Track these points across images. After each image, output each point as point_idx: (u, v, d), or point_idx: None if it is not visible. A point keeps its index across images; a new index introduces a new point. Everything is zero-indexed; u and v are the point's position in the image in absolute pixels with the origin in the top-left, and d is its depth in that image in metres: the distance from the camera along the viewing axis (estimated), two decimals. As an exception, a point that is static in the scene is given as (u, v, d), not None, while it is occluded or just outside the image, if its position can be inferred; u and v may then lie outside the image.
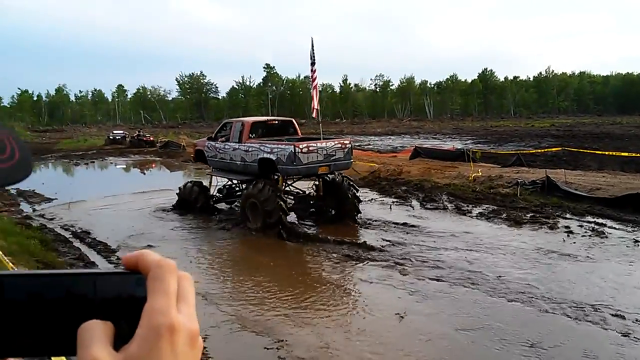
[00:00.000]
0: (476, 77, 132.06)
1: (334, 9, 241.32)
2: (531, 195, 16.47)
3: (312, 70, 14.93)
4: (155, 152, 41.23)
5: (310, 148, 13.14)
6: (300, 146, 12.99)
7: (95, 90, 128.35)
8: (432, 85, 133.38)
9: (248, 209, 13.64)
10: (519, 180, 17.74)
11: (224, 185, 16.65)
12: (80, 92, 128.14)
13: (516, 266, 10.35)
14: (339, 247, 11.99)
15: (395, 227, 13.97)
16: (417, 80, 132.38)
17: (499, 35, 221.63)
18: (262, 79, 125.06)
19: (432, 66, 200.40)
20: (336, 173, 14.37)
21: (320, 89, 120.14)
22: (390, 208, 16.64)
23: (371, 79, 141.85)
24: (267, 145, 13.76)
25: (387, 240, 12.52)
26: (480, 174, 19.74)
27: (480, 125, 79.78)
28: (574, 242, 11.88)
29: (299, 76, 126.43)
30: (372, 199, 18.16)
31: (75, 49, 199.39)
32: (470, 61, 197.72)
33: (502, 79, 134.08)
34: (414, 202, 17.29)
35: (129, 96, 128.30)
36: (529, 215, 14.46)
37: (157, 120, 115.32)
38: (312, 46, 14.57)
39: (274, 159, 13.31)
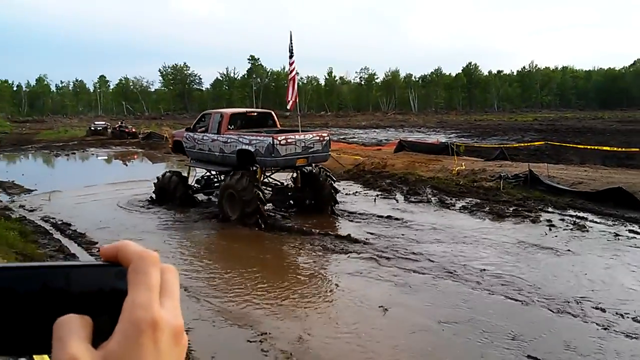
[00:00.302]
0: (460, 71, 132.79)
1: (320, 1, 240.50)
2: (514, 188, 16.59)
3: (290, 63, 15.10)
4: (138, 144, 40.85)
5: (289, 140, 13.24)
6: (279, 138, 13.08)
7: (77, 80, 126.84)
8: (417, 79, 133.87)
9: (226, 199, 13.67)
10: (502, 174, 17.87)
11: (202, 176, 16.68)
12: (62, 82, 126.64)
13: (499, 259, 10.41)
14: (323, 240, 11.97)
15: (379, 220, 13.98)
16: (402, 74, 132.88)
17: (484, 30, 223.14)
18: (247, 71, 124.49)
19: (417, 60, 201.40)
20: (314, 165, 14.50)
21: (301, 83, 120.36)
22: (375, 201, 16.64)
23: (356, 72, 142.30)
24: (245, 136, 13.81)
25: (371, 233, 12.52)
26: (464, 167, 19.86)
27: (464, 119, 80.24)
28: (556, 236, 11.99)
29: (284, 68, 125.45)
30: (356, 192, 18.16)
31: (57, 39, 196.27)
32: (455, 55, 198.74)
33: (486, 73, 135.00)
34: (398, 195, 17.32)
35: (111, 87, 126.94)
36: (511, 209, 14.56)
37: (139, 111, 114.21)
38: (291, 39, 14.72)
39: (252, 150, 13.38)
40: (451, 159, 21.42)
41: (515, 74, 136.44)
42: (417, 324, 7.48)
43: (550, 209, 14.42)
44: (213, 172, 16.25)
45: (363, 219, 14.11)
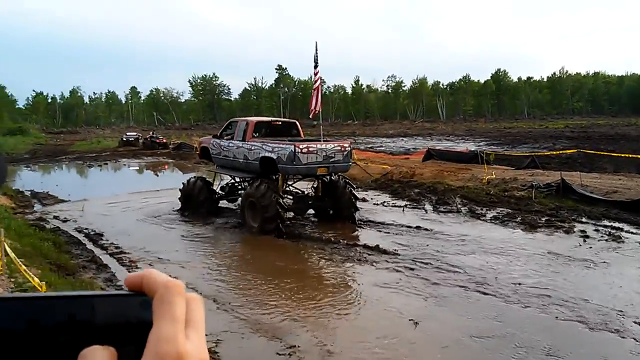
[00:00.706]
0: (489, 78, 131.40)
1: (346, 10, 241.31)
2: (546, 198, 16.29)
3: (315, 73, 15.28)
4: (168, 154, 41.49)
5: (310, 149, 13.40)
6: (300, 146, 13.26)
7: (109, 92, 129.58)
8: (445, 86, 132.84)
9: (247, 208, 13.96)
10: (534, 183, 17.55)
11: (227, 184, 17.08)
12: (95, 94, 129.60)
13: (531, 271, 10.21)
14: (352, 250, 11.93)
15: (408, 230, 13.88)
16: (430, 81, 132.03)
17: (513, 35, 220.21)
18: (274, 81, 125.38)
19: (445, 67, 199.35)
20: (334, 174, 14.63)
21: (328, 92, 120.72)
22: (403, 211, 16.53)
23: (383, 80, 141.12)
24: (269, 144, 14.03)
25: (400, 244, 12.42)
26: (494, 176, 19.58)
27: (494, 127, 79.32)
28: (590, 247, 11.71)
29: (311, 77, 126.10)
30: (384, 202, 18.07)
31: (90, 52, 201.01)
32: (483, 62, 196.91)
33: (515, 80, 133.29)
34: (427, 205, 17.17)
35: (142, 98, 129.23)
36: (544, 219, 14.29)
37: (170, 122, 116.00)
38: (316, 50, 14.89)
39: (274, 157, 13.58)
40: (481, 167, 21.15)
41: (545, 80, 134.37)
42: (449, 338, 7.36)
43: (584, 219, 14.11)
44: (237, 179, 16.52)
45: (391, 230, 14.02)
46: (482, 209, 16.05)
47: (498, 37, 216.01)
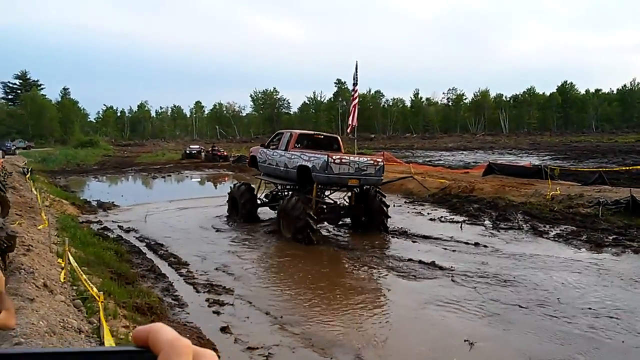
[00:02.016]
0: (555, 90, 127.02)
1: (406, 22, 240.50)
2: (614, 216, 15.48)
3: (353, 90, 16.20)
4: (229, 166, 42.38)
5: (343, 160, 14.28)
6: (333, 157, 14.17)
7: (175, 106, 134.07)
8: (508, 99, 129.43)
9: (282, 219, 14.96)
10: (601, 200, 16.72)
11: (271, 191, 18.09)
12: (161, 108, 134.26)
13: (596, 293, 9.69)
14: (407, 266, 11.73)
15: (466, 246, 13.54)
16: (492, 94, 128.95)
17: (580, 46, 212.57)
18: (333, 94, 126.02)
19: (508, 79, 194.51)
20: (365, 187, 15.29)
21: (386, 105, 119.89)
22: (461, 227, 16.13)
23: (443, 93, 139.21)
24: (306, 154, 15.05)
25: (456, 260, 12.12)
26: (559, 192, 18.80)
27: (559, 141, 76.60)
28: (663, 269, 11.00)
29: (370, 91, 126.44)
30: (442, 217, 17.70)
31: (157, 67, 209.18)
32: (549, 73, 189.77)
33: (583, 92, 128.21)
34: (487, 221, 16.69)
35: (206, 112, 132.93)
36: (611, 238, 13.59)
37: (231, 135, 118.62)
38: (356, 69, 15.89)
39: (310, 166, 14.46)
40: (545, 183, 20.35)
41: (615, 92, 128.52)
42: (506, 361, 7.07)
43: (656, 239, 13.29)
44: (279, 187, 17.44)
45: (448, 245, 13.71)
46: (545, 226, 15.45)
47: (564, 49, 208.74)
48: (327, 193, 16.30)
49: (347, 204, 16.26)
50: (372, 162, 14.70)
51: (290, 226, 14.36)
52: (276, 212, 16.19)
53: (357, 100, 16.29)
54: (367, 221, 15.58)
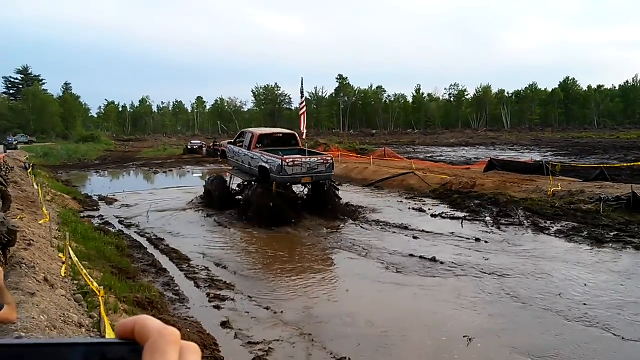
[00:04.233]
0: (557, 86, 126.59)
1: (408, 18, 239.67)
2: (615, 212, 15.46)
3: (300, 103, 18.25)
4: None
5: (296, 162, 15.97)
6: (287, 160, 15.83)
7: (176, 101, 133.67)
8: (510, 95, 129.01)
9: (246, 207, 16.67)
10: (602, 196, 16.70)
11: (242, 182, 19.08)
12: (163, 103, 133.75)
13: (597, 289, 9.70)
14: (406, 261, 11.74)
15: (466, 242, 13.54)
16: (494, 89, 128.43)
17: (582, 42, 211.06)
18: (335, 90, 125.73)
19: (510, 75, 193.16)
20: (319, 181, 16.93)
21: (388, 101, 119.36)
22: (462, 223, 16.13)
23: (445, 89, 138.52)
24: (265, 156, 16.71)
25: (457, 256, 12.13)
26: (560, 188, 18.78)
27: (561, 137, 76.40)
28: (664, 265, 11.00)
29: (371, 86, 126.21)
30: (442, 213, 17.69)
31: (159, 62, 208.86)
32: (551, 69, 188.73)
33: (585, 88, 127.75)
34: (488, 217, 16.68)
35: (208, 107, 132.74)
36: (612, 234, 13.58)
37: (233, 130, 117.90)
38: (302, 84, 17.82)
39: (268, 167, 16.21)
40: (546, 179, 20.30)
41: (617, 88, 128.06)
42: (504, 356, 7.08)
43: (657, 235, 13.28)
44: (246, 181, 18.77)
45: (450, 241, 13.72)
46: (546, 222, 15.44)
47: (567, 45, 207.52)
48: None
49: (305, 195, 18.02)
50: (322, 160, 16.58)
51: (253, 212, 16.00)
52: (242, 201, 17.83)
53: (303, 110, 18.22)
54: (321, 208, 16.96)
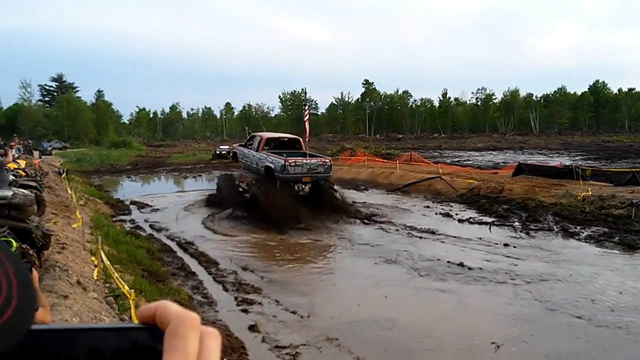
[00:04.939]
0: (587, 89, 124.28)
1: (435, 22, 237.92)
2: (648, 217, 15.12)
3: (304, 110, 20.04)
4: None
5: (297, 163, 17.64)
6: (289, 161, 17.51)
7: (206, 107, 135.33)
8: (538, 98, 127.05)
9: (252, 202, 17.88)
10: (634, 201, 16.33)
11: (251, 181, 20.47)
12: (192, 109, 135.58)
13: (629, 295, 9.51)
14: (433, 265, 11.68)
15: (495, 247, 13.41)
16: (522, 93, 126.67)
17: (612, 44, 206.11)
18: (361, 95, 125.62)
19: (539, 78, 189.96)
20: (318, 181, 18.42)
21: (414, 105, 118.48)
22: (490, 228, 15.97)
23: (472, 93, 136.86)
24: (271, 157, 18.39)
25: (485, 261, 12.02)
26: (590, 193, 18.43)
27: (591, 141, 74.97)
28: (699, 271, 10.72)
29: (397, 91, 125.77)
30: (470, 218, 17.54)
31: (189, 70, 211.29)
32: (581, 72, 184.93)
33: (615, 91, 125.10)
34: (516, 222, 16.48)
35: (236, 113, 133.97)
36: (644, 239, 13.28)
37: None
38: (305, 94, 22.51)
39: (272, 167, 17.86)
40: (576, 183, 19.98)
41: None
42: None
43: (692, 241, 12.95)
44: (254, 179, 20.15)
45: (477, 246, 13.60)
46: (576, 228, 15.18)
47: (596, 47, 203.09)
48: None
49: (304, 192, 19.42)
50: (321, 162, 18.20)
51: (259, 207, 17.07)
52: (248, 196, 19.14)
53: (307, 117, 20.88)
54: (319, 204, 18.19)
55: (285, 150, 19.34)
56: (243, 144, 21.80)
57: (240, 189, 20.55)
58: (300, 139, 20.72)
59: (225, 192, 20.11)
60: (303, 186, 19.01)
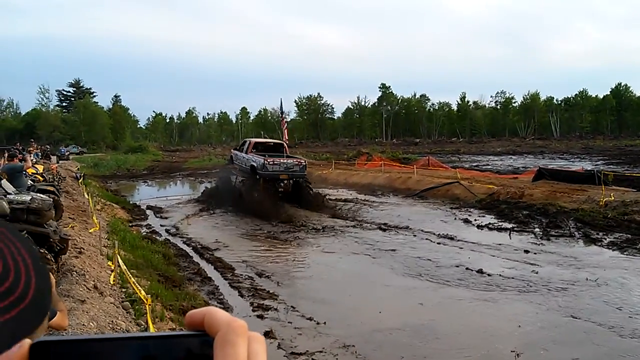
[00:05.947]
0: (609, 93, 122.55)
1: (453, 24, 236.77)
2: (673, 223, 14.75)
3: (282, 119, 24.16)
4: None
5: (275, 162, 20.71)
6: (269, 160, 20.58)
7: (221, 112, 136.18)
8: (559, 102, 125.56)
9: (239, 197, 20.81)
10: (659, 207, 15.98)
11: (241, 179, 22.68)
12: (208, 114, 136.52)
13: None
14: (451, 272, 11.50)
15: (514, 253, 13.18)
16: (542, 97, 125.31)
17: (634, 46, 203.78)
18: (377, 99, 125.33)
19: (559, 81, 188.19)
20: (295, 178, 21.48)
21: (432, 109, 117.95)
22: (510, 234, 15.72)
23: (491, 96, 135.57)
24: (255, 157, 21.59)
25: (505, 268, 11.81)
26: (613, 198, 18.06)
27: (613, 145, 73.78)
28: None
29: (414, 95, 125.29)
30: (489, 224, 17.28)
31: (205, 75, 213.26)
32: (602, 75, 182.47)
33: (638, 94, 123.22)
34: (537, 228, 16.20)
35: (251, 118, 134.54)
36: (670, 246, 12.95)
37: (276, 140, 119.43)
38: (281, 103, 23.63)
39: (255, 165, 20.97)
40: (598, 188, 19.60)
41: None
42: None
43: None
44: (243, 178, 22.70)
45: (497, 252, 13.37)
46: (598, 234, 14.88)
47: (618, 50, 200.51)
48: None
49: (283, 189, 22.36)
50: (297, 162, 21.32)
51: (244, 198, 20.09)
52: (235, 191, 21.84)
53: (285, 125, 25.64)
54: (297, 199, 21.27)
55: (270, 153, 22.16)
56: (237, 147, 25.39)
57: (234, 184, 22.92)
58: (284, 144, 24.30)
59: (221, 188, 23.25)
60: (282, 183, 21.90)
